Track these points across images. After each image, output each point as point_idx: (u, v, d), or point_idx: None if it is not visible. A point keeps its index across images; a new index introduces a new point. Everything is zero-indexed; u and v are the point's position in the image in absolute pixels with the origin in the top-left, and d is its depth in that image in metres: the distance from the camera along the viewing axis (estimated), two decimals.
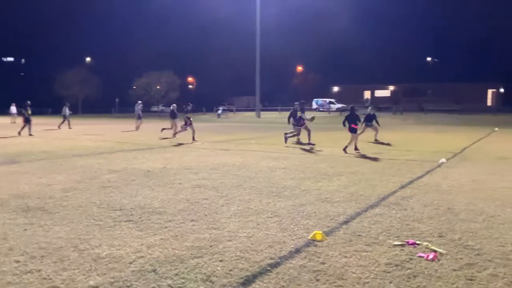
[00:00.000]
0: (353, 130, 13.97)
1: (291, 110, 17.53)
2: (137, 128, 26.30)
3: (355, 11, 74.15)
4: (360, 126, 15.55)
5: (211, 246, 4.53)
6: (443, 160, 11.61)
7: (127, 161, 11.36)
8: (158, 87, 65.96)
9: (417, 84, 66.55)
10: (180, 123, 20.31)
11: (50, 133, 23.30)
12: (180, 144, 16.20)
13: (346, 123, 14.22)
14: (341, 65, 75.29)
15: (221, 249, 4.46)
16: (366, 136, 17.95)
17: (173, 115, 21.01)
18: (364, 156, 12.68)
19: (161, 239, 4.78)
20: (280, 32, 71.87)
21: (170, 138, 19.08)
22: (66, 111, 28.27)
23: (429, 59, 74.14)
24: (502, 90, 68.11)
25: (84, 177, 8.78)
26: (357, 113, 14.49)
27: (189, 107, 18.88)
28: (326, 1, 73.20)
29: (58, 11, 75.69)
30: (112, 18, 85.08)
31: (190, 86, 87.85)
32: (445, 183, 8.29)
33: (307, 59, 77.15)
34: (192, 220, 5.54)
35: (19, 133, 20.87)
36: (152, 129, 27.63)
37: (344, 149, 13.69)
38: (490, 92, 66.11)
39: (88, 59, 75.79)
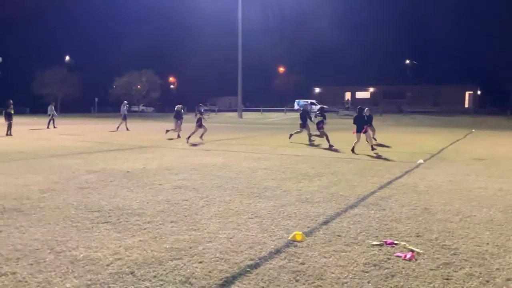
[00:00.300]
0: (360, 129, 14.58)
1: (301, 112, 18.11)
2: (117, 128, 26.17)
3: (337, 14, 74.81)
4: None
5: (190, 248, 4.51)
6: (421, 161, 11.79)
7: (106, 161, 11.22)
8: (138, 86, 65.34)
9: (396, 86, 67.41)
10: (180, 124, 20.77)
11: (32, 133, 22.87)
12: (194, 145, 16.09)
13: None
14: (323, 67, 75.85)
15: (200, 250, 4.44)
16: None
17: (178, 116, 21.02)
18: (344, 157, 12.78)
19: (140, 240, 4.73)
20: (262, 33, 71.97)
21: (174, 139, 19.12)
22: (53, 110, 28.45)
23: (408, 62, 75.22)
24: (479, 92, 69.52)
25: (61, 177, 8.63)
26: (364, 115, 15.46)
27: (202, 109, 19.46)
28: (309, 3, 73.59)
29: (37, 9, 74.33)
30: (93, 16, 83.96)
31: (172, 86, 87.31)
32: (423, 184, 8.41)
33: (289, 60, 77.55)
34: (171, 222, 5.50)
35: (7, 134, 20.19)
36: (135, 130, 27.39)
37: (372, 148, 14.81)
38: (467, 94, 67.37)
39: (67, 58, 74.58)
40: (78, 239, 4.73)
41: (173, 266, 4.01)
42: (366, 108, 19.72)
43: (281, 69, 77.84)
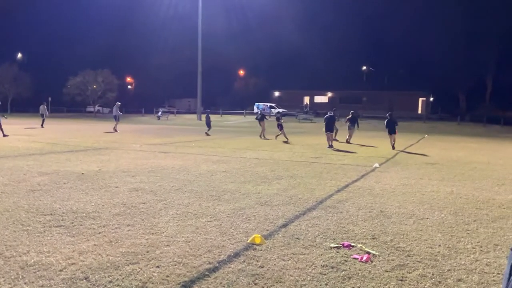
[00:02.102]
0: (393, 131, 17.95)
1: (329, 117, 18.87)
2: (115, 129, 25.94)
3: (297, 18, 75.71)
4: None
5: (147, 252, 4.41)
6: (376, 164, 12.10)
7: (59, 163, 10.84)
8: (94, 86, 63.59)
9: (353, 92, 68.96)
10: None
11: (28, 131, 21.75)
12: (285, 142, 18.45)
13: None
14: (283, 71, 76.45)
15: (158, 254, 4.35)
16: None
17: (262, 118, 23.34)
18: (303, 160, 12.92)
19: (95, 245, 4.59)
20: (223, 35, 71.81)
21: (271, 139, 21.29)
22: (45, 109, 29.39)
23: (364, 68, 77.15)
24: (431, 99, 72.20)
25: (11, 179, 8.26)
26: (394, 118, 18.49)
27: (279, 114, 23.25)
28: (270, 7, 74.09)
29: None
30: (46, 14, 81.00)
31: (129, 87, 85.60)
32: (378, 187, 8.63)
33: (249, 63, 77.71)
34: (128, 225, 5.37)
35: None
36: (90, 131, 26.64)
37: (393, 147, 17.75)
38: (420, 100, 69.83)
39: (19, 55, 71.66)
40: (29, 244, 4.53)
41: (129, 271, 3.90)
42: (352, 111, 22.43)
43: (241, 72, 77.98)
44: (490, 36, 53.83)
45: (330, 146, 17.66)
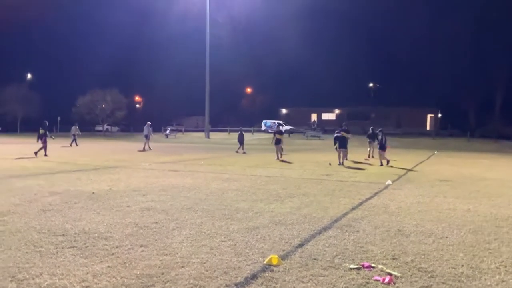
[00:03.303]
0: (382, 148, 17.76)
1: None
2: (144, 148, 26.81)
3: (304, 36, 76.18)
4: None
5: (162, 274, 4.30)
6: (389, 182, 11.94)
7: (69, 182, 10.80)
8: (103, 106, 64.07)
9: (360, 108, 68.89)
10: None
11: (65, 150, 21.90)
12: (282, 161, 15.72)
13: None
14: (290, 88, 76.80)
15: (173, 276, 4.24)
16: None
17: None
18: (314, 178, 12.78)
19: (108, 266, 4.48)
20: (230, 53, 72.37)
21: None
22: (77, 129, 30.99)
23: (371, 84, 77.20)
24: (439, 115, 71.92)
25: (22, 199, 8.21)
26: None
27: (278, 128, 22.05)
28: (276, 25, 74.85)
29: None
30: (56, 34, 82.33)
31: (137, 105, 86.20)
32: (393, 205, 8.47)
33: (256, 81, 78.12)
34: (141, 246, 5.27)
35: None
36: (100, 150, 26.72)
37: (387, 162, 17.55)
38: (429, 116, 69.59)
39: (29, 75, 72.56)
40: (42, 266, 4.44)
41: None
42: (372, 127, 23.95)
43: (249, 90, 78.33)
44: (499, 50, 53.78)
45: (341, 164, 17.46)
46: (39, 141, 20.10)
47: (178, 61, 75.13)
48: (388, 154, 25.14)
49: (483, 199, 9.33)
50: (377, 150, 19.47)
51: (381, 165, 17.46)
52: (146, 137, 27.50)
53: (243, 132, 26.71)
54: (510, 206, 8.58)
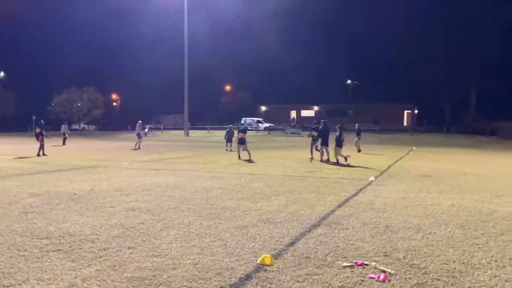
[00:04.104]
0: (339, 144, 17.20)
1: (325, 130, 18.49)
2: (138, 146, 26.97)
3: (283, 33, 76.19)
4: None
5: (154, 276, 4.19)
6: (372, 178, 12.02)
7: (49, 183, 10.53)
8: (79, 104, 62.96)
9: (339, 105, 69.43)
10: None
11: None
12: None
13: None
14: (269, 85, 76.80)
15: (165, 279, 4.13)
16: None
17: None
18: (297, 175, 12.77)
19: (97, 270, 4.35)
20: (209, 51, 71.87)
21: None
22: (66, 129, 31.54)
23: (349, 81, 77.88)
24: (416, 111, 73.01)
25: (1, 202, 7.94)
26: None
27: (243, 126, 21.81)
28: (255, 22, 74.69)
29: None
30: (30, 32, 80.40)
31: (114, 104, 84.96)
32: (378, 201, 8.51)
33: (235, 79, 77.80)
34: (129, 248, 5.14)
35: None
36: (77, 149, 26.22)
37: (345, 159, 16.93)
38: (405, 113, 70.59)
39: (1, 74, 70.68)
40: (27, 270, 4.28)
41: None
42: (357, 124, 26.12)
43: (228, 87, 78.05)
44: (473, 48, 54.82)
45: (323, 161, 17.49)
46: (38, 140, 20.12)
47: (156, 59, 74.26)
48: (368, 149, 25.41)
49: (466, 194, 9.47)
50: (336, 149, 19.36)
51: (337, 162, 16.83)
52: (138, 135, 27.67)
53: (232, 129, 26.28)
54: (493, 200, 8.73)
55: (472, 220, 6.88)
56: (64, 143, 30.27)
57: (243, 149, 19.10)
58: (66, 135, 31.35)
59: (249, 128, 57.86)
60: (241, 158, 18.56)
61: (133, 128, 60.13)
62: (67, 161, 16.63)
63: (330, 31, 76.86)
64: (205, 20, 63.83)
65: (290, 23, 78.41)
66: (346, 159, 17.06)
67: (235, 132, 19.96)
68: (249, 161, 17.59)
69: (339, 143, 17.17)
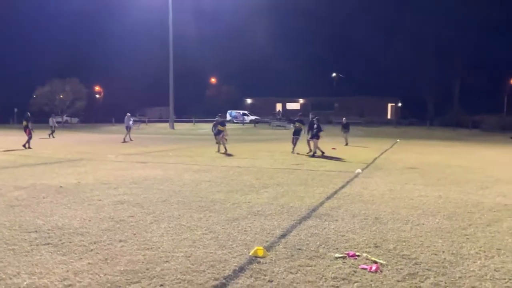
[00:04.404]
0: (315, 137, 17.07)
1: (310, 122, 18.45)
2: (128, 139, 26.79)
3: (269, 26, 75.98)
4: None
5: (147, 269, 4.17)
6: (359, 170, 12.12)
7: (34, 176, 10.37)
8: (61, 96, 62.02)
9: (324, 98, 69.71)
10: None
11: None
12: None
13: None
14: (255, 78, 76.69)
15: (159, 272, 4.12)
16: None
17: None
18: (285, 168, 12.81)
19: (89, 263, 4.31)
20: (195, 43, 71.37)
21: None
22: (54, 122, 31.51)
23: (334, 74, 78.17)
24: (400, 104, 73.74)
25: None
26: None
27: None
28: (241, 15, 74.26)
29: None
30: (10, 20, 78.68)
31: (98, 96, 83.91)
32: (366, 193, 8.59)
33: (221, 71, 77.43)
34: (120, 241, 5.10)
35: None
36: (61, 141, 25.87)
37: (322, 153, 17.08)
38: (389, 106, 71.26)
39: None
40: (18, 264, 4.22)
41: None
42: (344, 118, 26.24)
43: (213, 80, 77.64)
44: (457, 43, 55.50)
45: (314, 153, 17.43)
46: (26, 133, 20.02)
47: (141, 51, 73.58)
48: (353, 142, 25.58)
49: (452, 186, 9.61)
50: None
51: (313, 155, 16.85)
52: (127, 128, 27.52)
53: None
54: (478, 192, 8.87)
55: (459, 211, 6.99)
56: (52, 136, 30.29)
57: (218, 141, 18.68)
58: (54, 128, 31.38)
59: (235, 121, 57.83)
60: (220, 151, 18.24)
61: (117, 121, 59.56)
62: (51, 154, 16.41)
63: (315, 24, 77.00)
64: (190, 12, 63.31)
65: (276, 16, 78.30)
66: (323, 153, 17.14)
67: (219, 126, 19.43)
68: (225, 154, 17.34)
69: (315, 136, 17.13)
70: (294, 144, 18.37)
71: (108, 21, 79.83)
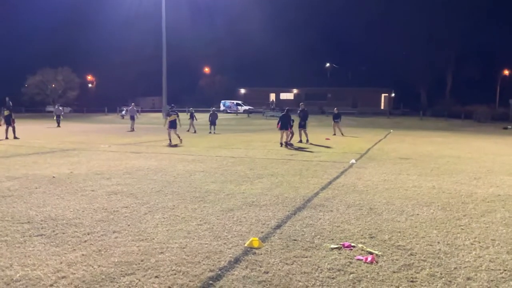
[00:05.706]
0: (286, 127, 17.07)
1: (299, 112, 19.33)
2: (133, 128, 27.32)
3: (263, 16, 75.43)
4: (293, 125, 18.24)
5: (142, 261, 4.14)
6: (353, 161, 12.13)
7: (26, 166, 10.28)
8: (53, 85, 61.46)
9: (318, 88, 69.59)
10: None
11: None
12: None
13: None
14: (248, 68, 76.20)
15: (154, 263, 4.09)
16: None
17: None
18: (279, 158, 12.79)
19: (83, 255, 4.27)
20: (187, 33, 70.67)
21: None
22: (59, 110, 32.18)
23: (328, 65, 77.99)
24: (393, 94, 73.83)
25: None
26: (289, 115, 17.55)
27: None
28: (235, 4, 73.67)
29: None
30: (1, 9, 77.47)
31: (90, 85, 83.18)
32: (361, 183, 8.60)
33: (214, 61, 76.89)
34: (114, 232, 5.06)
35: None
36: (53, 131, 25.66)
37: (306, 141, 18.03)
38: (383, 96, 71.29)
39: None
40: (10, 256, 4.17)
41: (127, 283, 3.63)
42: (336, 108, 25.42)
43: (207, 70, 77.18)
44: (449, 33, 55.50)
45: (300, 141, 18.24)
46: (3, 122, 19.29)
47: (133, 40, 72.66)
48: (347, 132, 25.60)
49: (445, 176, 9.64)
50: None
51: (300, 141, 18.47)
52: (132, 118, 28.21)
53: (216, 112, 26.51)
54: (471, 182, 8.91)
55: (453, 201, 7.01)
56: (59, 125, 30.73)
57: (174, 133, 17.51)
58: (61, 117, 31.98)
59: (228, 111, 57.68)
60: (173, 143, 17.08)
61: (109, 111, 59.12)
62: (43, 144, 16.26)
63: (309, 15, 76.62)
64: (184, 2, 62.56)
65: (270, 6, 77.73)
66: (307, 141, 18.42)
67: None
68: (176, 146, 16.31)
69: (302, 125, 18.57)
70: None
71: (100, 10, 78.82)
